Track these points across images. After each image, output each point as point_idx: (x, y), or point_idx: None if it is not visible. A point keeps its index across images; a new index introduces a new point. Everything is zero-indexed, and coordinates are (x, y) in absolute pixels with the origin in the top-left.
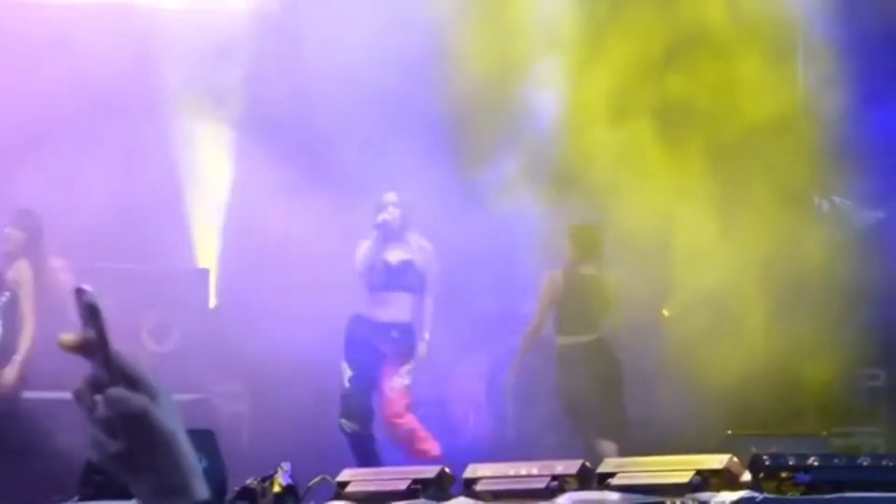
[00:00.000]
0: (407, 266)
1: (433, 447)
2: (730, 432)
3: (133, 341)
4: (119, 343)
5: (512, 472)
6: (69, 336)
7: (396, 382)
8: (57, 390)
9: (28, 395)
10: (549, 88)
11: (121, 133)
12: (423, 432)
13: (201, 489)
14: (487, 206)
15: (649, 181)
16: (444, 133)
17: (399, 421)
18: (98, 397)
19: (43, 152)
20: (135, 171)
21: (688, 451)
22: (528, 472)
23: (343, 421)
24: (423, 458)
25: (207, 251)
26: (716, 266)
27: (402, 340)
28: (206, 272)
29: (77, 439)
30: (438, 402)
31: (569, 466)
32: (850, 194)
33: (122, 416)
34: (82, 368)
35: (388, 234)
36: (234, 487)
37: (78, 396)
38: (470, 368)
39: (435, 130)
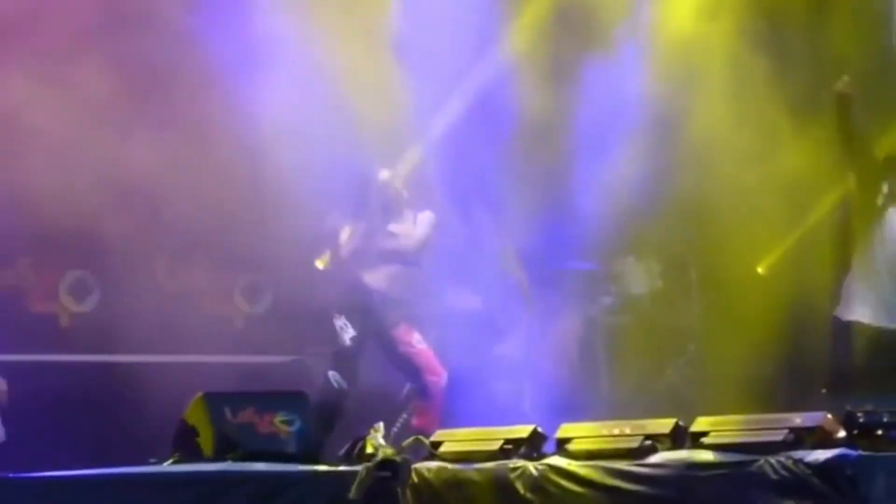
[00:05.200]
0: (400, 241)
1: (431, 420)
2: (824, 390)
3: (227, 302)
4: (212, 304)
5: (605, 432)
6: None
7: (417, 339)
8: (148, 353)
9: (121, 358)
10: None
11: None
12: (438, 400)
13: None
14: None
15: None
16: None
17: (435, 378)
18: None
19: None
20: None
21: (782, 409)
22: (621, 431)
23: (333, 374)
24: (424, 422)
25: None
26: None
27: (388, 309)
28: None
29: (169, 401)
30: (532, 361)
31: (661, 426)
32: None
33: None
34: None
35: (385, 211)
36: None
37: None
38: (563, 328)
39: None
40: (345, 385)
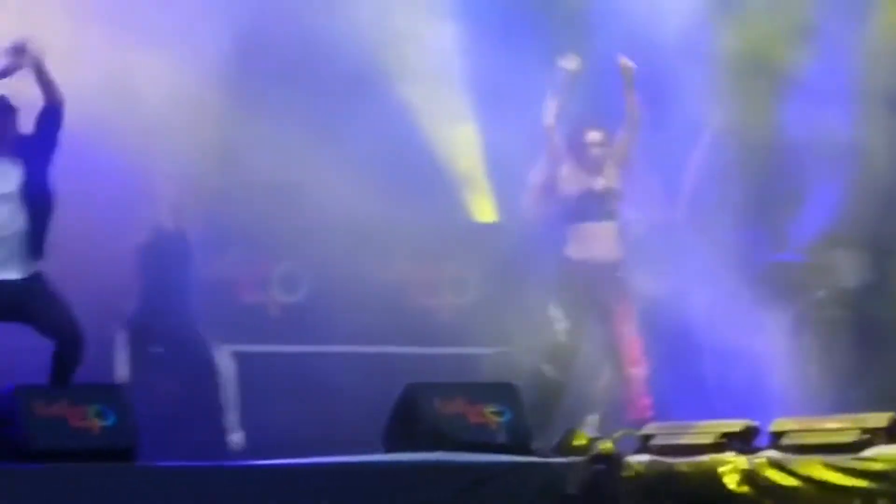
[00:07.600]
0: (613, 193)
1: (645, 408)
2: None
3: (432, 294)
4: (417, 295)
5: (819, 426)
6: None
7: (629, 328)
8: (357, 344)
9: (331, 348)
10: None
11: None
12: (644, 388)
13: None
14: None
15: None
16: None
17: (634, 370)
18: None
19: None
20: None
21: None
22: (837, 425)
23: (546, 367)
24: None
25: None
26: None
27: (616, 283)
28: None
29: (379, 391)
30: (742, 355)
31: (878, 420)
32: None
33: None
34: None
35: (594, 163)
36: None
37: None
38: (773, 322)
39: None
40: (556, 376)
